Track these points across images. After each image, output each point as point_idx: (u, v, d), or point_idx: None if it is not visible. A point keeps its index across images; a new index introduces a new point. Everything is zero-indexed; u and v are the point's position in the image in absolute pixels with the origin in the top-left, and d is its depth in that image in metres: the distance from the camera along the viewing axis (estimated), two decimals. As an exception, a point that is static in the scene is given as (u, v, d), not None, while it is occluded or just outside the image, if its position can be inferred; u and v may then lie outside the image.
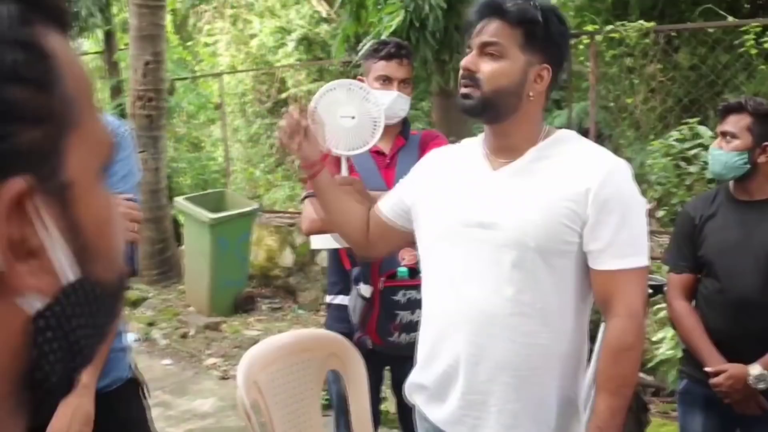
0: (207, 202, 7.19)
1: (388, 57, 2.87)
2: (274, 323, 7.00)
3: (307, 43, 12.00)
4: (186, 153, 11.01)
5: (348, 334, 2.83)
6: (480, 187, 1.89)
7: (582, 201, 1.78)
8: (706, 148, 5.11)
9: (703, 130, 5.23)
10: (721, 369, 2.60)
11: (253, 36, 13.00)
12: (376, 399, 3.02)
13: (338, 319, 2.94)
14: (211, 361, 6.05)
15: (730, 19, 6.34)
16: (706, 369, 2.62)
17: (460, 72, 1.85)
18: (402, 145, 2.95)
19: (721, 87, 6.56)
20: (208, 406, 5.14)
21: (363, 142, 2.63)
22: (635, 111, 7.31)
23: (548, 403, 1.86)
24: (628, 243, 1.80)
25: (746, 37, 5.73)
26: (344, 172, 2.66)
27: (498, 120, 1.87)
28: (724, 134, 2.66)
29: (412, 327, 2.67)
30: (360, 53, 5.81)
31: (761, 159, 2.61)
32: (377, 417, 3.03)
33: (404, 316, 2.70)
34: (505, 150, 1.90)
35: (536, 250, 1.78)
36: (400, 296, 2.65)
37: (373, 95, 2.68)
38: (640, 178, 7.23)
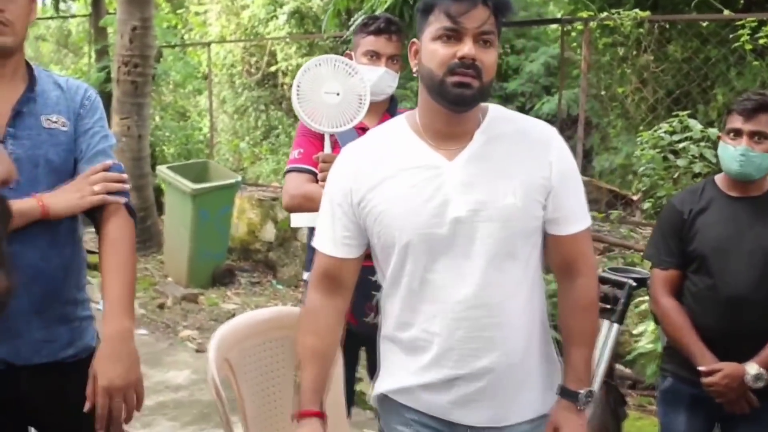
0: (190, 172, 7.11)
1: (377, 32, 2.79)
2: (252, 297, 6.95)
3: (299, 16, 11.87)
4: (171, 122, 10.88)
5: None
6: (447, 180, 1.82)
7: (547, 174, 1.84)
8: (695, 141, 5.08)
9: (693, 123, 5.19)
10: (715, 368, 2.54)
11: (244, 7, 12.84)
12: (351, 379, 2.97)
13: None
14: (186, 333, 6.00)
15: (726, 12, 6.28)
16: (700, 368, 2.57)
17: (455, 60, 1.73)
18: None
19: (712, 81, 6.53)
20: (181, 379, 5.09)
21: (348, 119, 2.58)
22: (625, 101, 7.27)
23: (545, 363, 1.96)
24: (581, 205, 1.91)
25: (741, 31, 5.69)
26: (327, 149, 2.60)
27: (472, 108, 1.83)
28: (753, 134, 2.55)
29: None
30: (351, 29, 5.72)
31: None
32: (351, 397, 2.99)
33: (380, 297, 2.65)
34: (453, 136, 1.85)
35: (520, 232, 1.83)
36: (378, 277, 2.59)
37: (359, 71, 2.62)
38: (628, 169, 7.22)
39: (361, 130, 2.81)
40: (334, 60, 2.57)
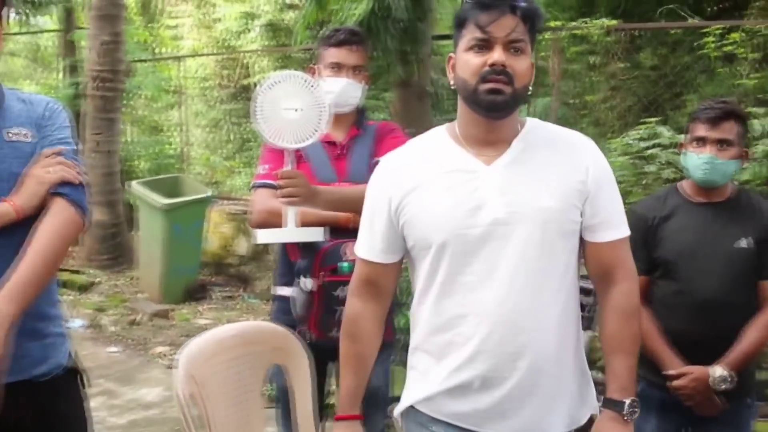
0: (162, 187, 7.07)
1: (339, 44, 2.80)
2: (225, 312, 6.90)
3: (272, 29, 11.83)
4: (144, 137, 10.81)
5: (293, 326, 2.76)
6: (484, 183, 1.85)
7: (584, 179, 1.88)
8: (664, 147, 5.10)
9: (662, 129, 5.22)
10: (683, 371, 2.57)
11: (217, 20, 12.79)
12: (321, 393, 2.95)
13: (283, 311, 2.87)
14: (158, 349, 5.94)
15: (692, 20, 6.34)
16: (667, 372, 2.58)
17: (487, 68, 1.80)
18: (356, 135, 2.88)
19: (681, 88, 6.58)
20: (153, 396, 5.04)
21: (310, 133, 2.57)
22: (596, 108, 7.31)
23: (578, 375, 1.95)
24: (619, 213, 1.95)
25: (707, 39, 5.74)
26: (288, 165, 2.59)
27: (510, 115, 1.89)
28: (718, 141, 2.58)
29: None
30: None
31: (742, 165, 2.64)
32: (323, 411, 2.96)
33: (343, 311, 2.62)
34: (492, 143, 1.89)
35: (556, 235, 1.85)
36: (340, 291, 2.58)
37: (317, 84, 2.61)
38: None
39: (327, 143, 2.80)
40: (292, 76, 2.56)
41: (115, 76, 7.94)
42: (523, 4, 1.81)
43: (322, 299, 2.62)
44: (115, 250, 8.06)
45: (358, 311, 2.06)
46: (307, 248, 2.64)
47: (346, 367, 2.07)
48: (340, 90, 2.76)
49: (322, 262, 2.62)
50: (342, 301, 2.58)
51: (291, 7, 11.89)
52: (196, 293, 7.18)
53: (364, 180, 2.80)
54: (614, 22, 6.35)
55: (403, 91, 5.82)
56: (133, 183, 7.20)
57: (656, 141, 5.15)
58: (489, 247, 1.82)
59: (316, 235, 2.59)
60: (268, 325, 2.90)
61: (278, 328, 2.76)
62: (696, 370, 2.56)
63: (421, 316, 1.95)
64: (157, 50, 13.07)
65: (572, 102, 7.67)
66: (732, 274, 2.57)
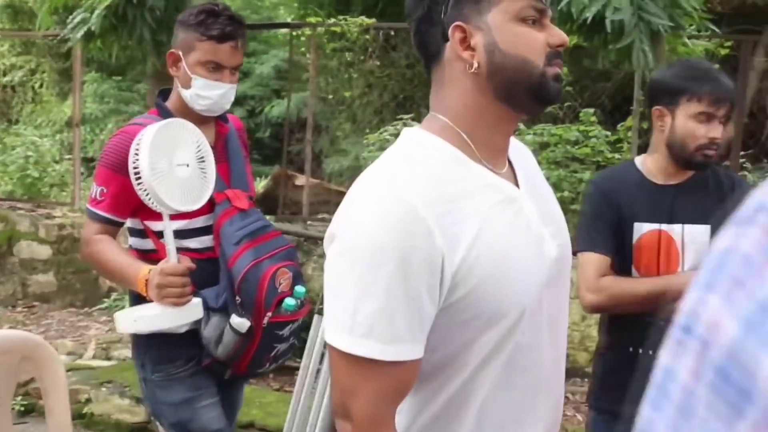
0: None
1: (222, 38, 2.24)
2: (-38, 320, 6.35)
3: (12, 11, 11.06)
4: None
5: (176, 365, 2.41)
6: (527, 211, 1.33)
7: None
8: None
9: (416, 125, 5.46)
10: None
11: (-54, -1, 11.74)
12: (231, 416, 2.62)
13: (148, 347, 2.44)
14: None
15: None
16: None
17: (553, 49, 1.28)
18: (226, 133, 2.46)
19: (433, 86, 6.92)
20: None
21: (200, 188, 2.20)
22: (353, 105, 7.49)
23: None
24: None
25: (455, 39, 6.08)
26: (167, 226, 2.16)
27: None
28: None
29: (283, 354, 2.42)
30: (68, 28, 5.38)
31: None
32: None
33: (281, 347, 2.40)
34: (500, 154, 1.36)
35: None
36: (287, 330, 2.35)
37: (197, 130, 2.21)
38: (357, 171, 7.45)
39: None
40: (177, 124, 2.15)
41: None
42: None
43: (265, 339, 2.32)
44: None
45: None
46: (224, 278, 2.30)
47: None
48: (219, 97, 2.29)
49: (265, 302, 2.27)
50: (284, 339, 2.37)
51: (34, -13, 11.18)
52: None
53: (246, 187, 2.46)
54: (371, 20, 6.53)
55: (158, 84, 5.62)
56: None
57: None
58: (551, 291, 1.35)
59: (195, 313, 2.21)
60: (14, 333, 2.70)
61: (27, 336, 2.57)
62: None
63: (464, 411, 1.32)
64: None
65: (329, 98, 7.82)
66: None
